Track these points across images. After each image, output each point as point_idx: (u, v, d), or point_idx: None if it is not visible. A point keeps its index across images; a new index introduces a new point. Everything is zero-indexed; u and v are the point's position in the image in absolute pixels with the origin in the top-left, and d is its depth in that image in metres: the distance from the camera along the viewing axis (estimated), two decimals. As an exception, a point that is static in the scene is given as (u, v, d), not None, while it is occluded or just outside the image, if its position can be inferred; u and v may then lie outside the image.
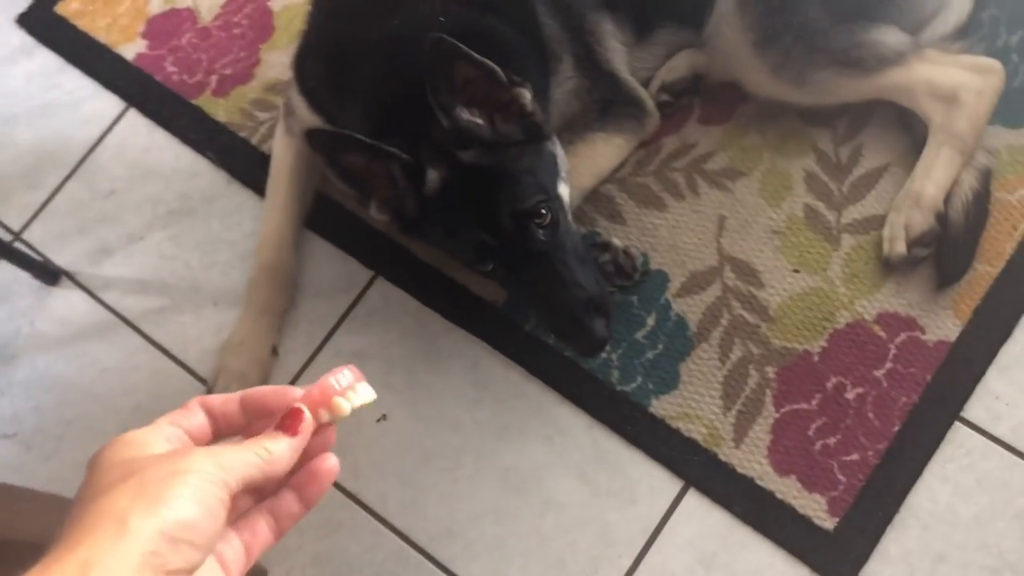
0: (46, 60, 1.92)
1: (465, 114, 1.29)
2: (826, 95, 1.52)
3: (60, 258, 1.75)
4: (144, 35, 1.89)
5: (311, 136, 1.28)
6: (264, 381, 1.60)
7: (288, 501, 0.69)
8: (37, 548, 0.56)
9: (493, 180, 1.31)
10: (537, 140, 1.35)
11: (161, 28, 1.89)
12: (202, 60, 1.84)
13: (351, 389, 0.71)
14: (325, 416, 0.69)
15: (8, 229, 1.80)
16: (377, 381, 1.52)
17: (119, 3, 1.92)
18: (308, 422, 0.67)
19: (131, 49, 1.88)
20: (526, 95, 1.31)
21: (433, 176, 1.31)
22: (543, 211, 1.30)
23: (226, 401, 0.69)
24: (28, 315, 1.73)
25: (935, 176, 1.45)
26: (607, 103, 1.56)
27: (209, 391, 1.59)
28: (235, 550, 0.65)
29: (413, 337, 1.60)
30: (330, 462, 0.70)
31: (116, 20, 1.91)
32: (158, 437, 0.63)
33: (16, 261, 1.67)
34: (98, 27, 1.91)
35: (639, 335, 1.53)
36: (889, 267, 1.49)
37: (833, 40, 1.45)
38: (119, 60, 1.88)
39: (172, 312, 1.69)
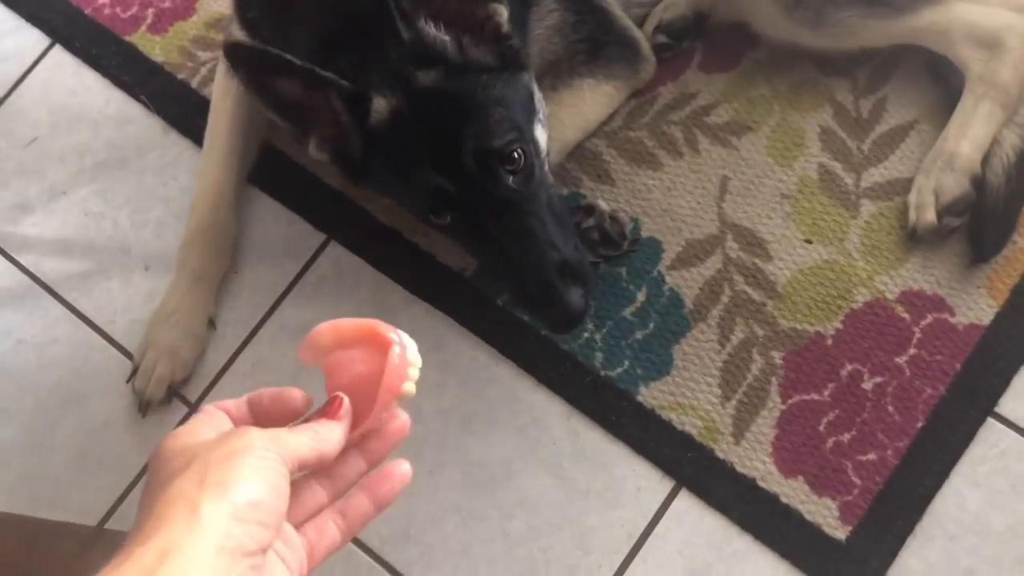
0: (-40, -10, 1.70)
1: (431, 28, 1.09)
2: (848, 39, 1.31)
3: (-28, 217, 1.55)
4: (72, -38, 1.67)
5: (230, 52, 1.06)
6: (198, 357, 1.41)
7: (360, 501, 0.72)
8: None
9: (456, 110, 1.11)
10: (512, 69, 1.15)
11: (92, -45, 1.67)
12: (137, -9, 1.63)
13: (405, 350, 0.71)
14: (396, 407, 0.72)
15: (-86, 180, 1.59)
16: (326, 361, 1.33)
17: (45, -75, 1.69)
18: (347, 407, 0.69)
19: (57, -22, 1.66)
20: (502, 12, 1.11)
21: (381, 105, 1.11)
22: (515, 154, 1.11)
23: (238, 404, 0.71)
24: (-66, 278, 1.53)
25: (972, 134, 1.26)
26: (596, 43, 1.35)
27: (135, 368, 1.39)
28: (296, 550, 0.66)
29: (369, 311, 1.40)
30: (404, 467, 0.73)
31: (42, -55, 1.68)
32: (206, 426, 0.66)
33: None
34: (21, -48, 1.69)
35: (627, 312, 1.33)
36: (915, 238, 1.29)
37: None
38: (45, -10, 1.66)
39: (98, 277, 1.49)
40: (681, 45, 1.44)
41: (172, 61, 1.58)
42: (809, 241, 1.33)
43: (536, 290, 1.13)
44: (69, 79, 1.61)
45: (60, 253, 1.52)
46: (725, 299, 1.32)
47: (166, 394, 1.39)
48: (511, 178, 1.11)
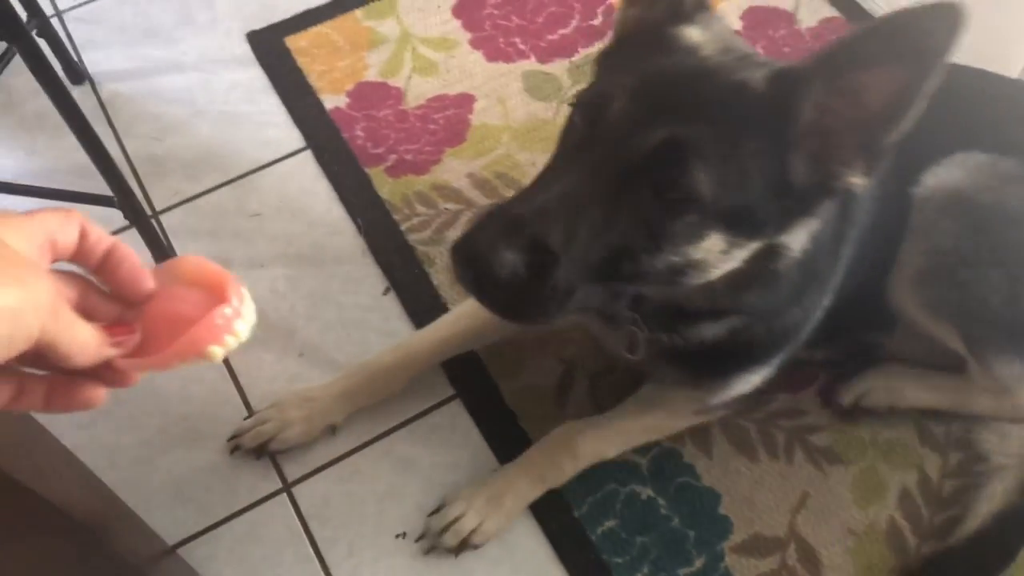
0: (255, 77, 2.04)
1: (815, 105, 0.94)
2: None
3: (182, 250, 1.80)
4: (349, 94, 1.99)
5: None
6: (301, 443, 1.57)
7: (35, 393, 0.64)
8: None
9: (707, 96, 0.95)
10: (794, 208, 1.01)
11: (367, 94, 1.99)
12: (390, 137, 1.92)
13: (237, 318, 0.66)
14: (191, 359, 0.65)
15: (151, 205, 1.86)
16: (410, 500, 1.50)
17: (341, 58, 2.04)
18: (135, 338, 0.64)
19: (332, 101, 1.98)
20: (859, 182, 0.96)
21: (693, 35, 1.02)
22: (690, 189, 0.93)
23: (99, 239, 0.65)
24: (130, 288, 1.76)
25: None
26: None
27: (245, 420, 1.59)
28: None
29: (463, 469, 1.57)
30: (94, 392, 0.66)
31: (331, 70, 2.02)
32: (31, 241, 0.60)
33: (144, 235, 1.71)
34: (313, 69, 2.02)
35: (682, 573, 1.47)
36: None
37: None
38: (318, 105, 1.97)
39: (258, 345, 1.70)
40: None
41: (393, 202, 1.84)
42: (860, 581, 1.47)
43: (501, 213, 0.96)
44: (306, 180, 1.89)
45: (237, 312, 1.74)
46: (770, 598, 1.45)
47: (257, 447, 1.55)
48: (656, 200, 0.95)
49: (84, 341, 0.61)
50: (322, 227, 1.83)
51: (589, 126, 0.98)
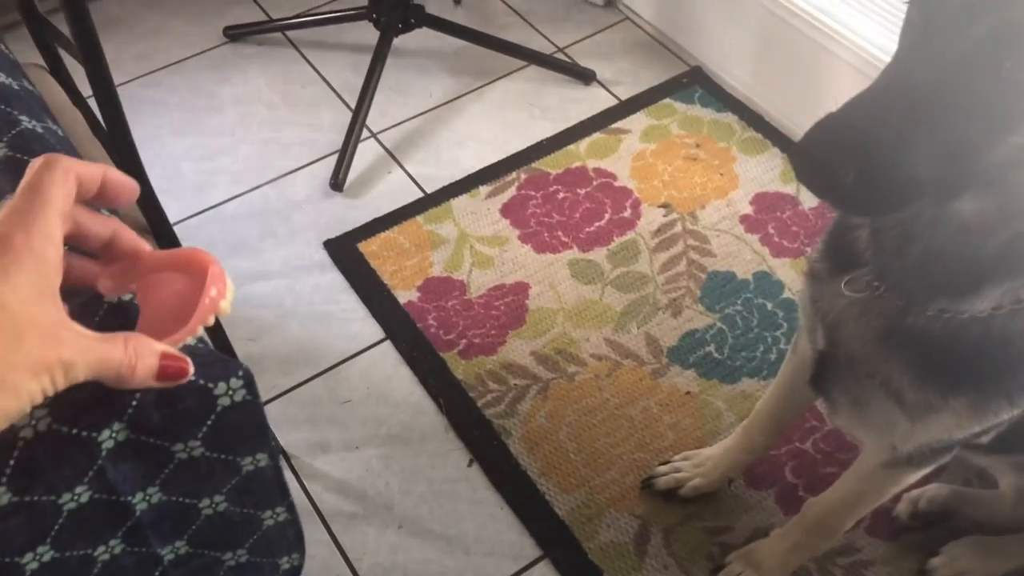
0: (334, 280, 2.31)
1: None
2: None
3: (285, 440, 2.01)
4: (419, 289, 2.26)
5: None
6: (708, 492, 1.86)
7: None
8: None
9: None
10: None
11: (434, 288, 2.26)
12: (458, 324, 2.18)
13: (221, 298, 0.70)
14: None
15: (252, 399, 2.08)
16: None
17: (409, 258, 2.32)
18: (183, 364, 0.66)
19: (405, 295, 2.25)
20: None
21: None
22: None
23: (92, 175, 0.63)
24: (240, 476, 1.96)
25: None
26: None
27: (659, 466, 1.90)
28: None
29: (562, 626, 1.74)
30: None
31: (401, 269, 2.30)
32: (47, 242, 0.58)
33: (255, 429, 1.93)
34: (385, 270, 2.30)
35: None
36: None
37: None
38: (392, 300, 2.24)
39: (360, 520, 1.89)
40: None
41: (467, 381, 2.08)
42: None
43: (832, 123, 0.91)
44: (388, 367, 2.13)
45: (338, 492, 1.94)
46: None
47: (667, 491, 1.86)
48: (996, 82, 0.84)
49: (117, 361, 0.60)
50: (407, 408, 2.06)
51: (925, 21, 0.90)
